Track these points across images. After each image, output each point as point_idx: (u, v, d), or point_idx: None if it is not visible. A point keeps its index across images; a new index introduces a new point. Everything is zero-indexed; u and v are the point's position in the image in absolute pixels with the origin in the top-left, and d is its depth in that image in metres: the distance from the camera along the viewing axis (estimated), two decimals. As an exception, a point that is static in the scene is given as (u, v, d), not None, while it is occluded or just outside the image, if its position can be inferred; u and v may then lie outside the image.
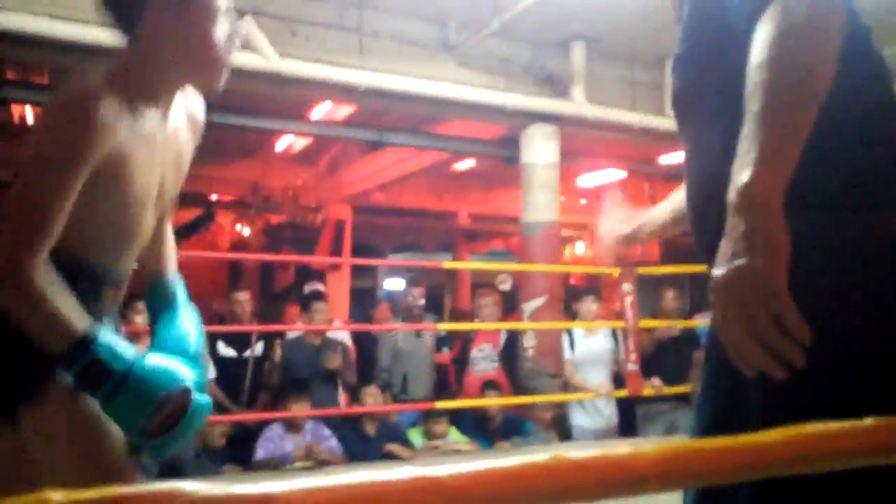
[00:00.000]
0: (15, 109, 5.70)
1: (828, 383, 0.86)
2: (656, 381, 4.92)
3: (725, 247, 0.83)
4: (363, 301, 9.03)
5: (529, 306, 5.27)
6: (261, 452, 3.93)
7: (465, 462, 0.44)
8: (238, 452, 4.17)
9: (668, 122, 5.72)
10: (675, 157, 7.25)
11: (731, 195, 0.83)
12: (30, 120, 6.00)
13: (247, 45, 4.35)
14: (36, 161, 1.18)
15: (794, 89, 0.84)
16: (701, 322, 5.49)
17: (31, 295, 1.13)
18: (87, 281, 1.29)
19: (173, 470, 3.75)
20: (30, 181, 1.16)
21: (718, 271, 0.83)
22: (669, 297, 5.37)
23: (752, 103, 0.85)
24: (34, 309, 1.15)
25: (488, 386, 4.74)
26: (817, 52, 0.85)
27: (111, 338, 1.20)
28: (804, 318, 0.79)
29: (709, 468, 0.53)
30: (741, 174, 0.83)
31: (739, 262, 0.80)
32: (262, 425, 4.08)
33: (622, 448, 0.48)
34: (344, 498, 0.41)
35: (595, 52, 5.41)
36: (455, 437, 4.39)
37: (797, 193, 0.84)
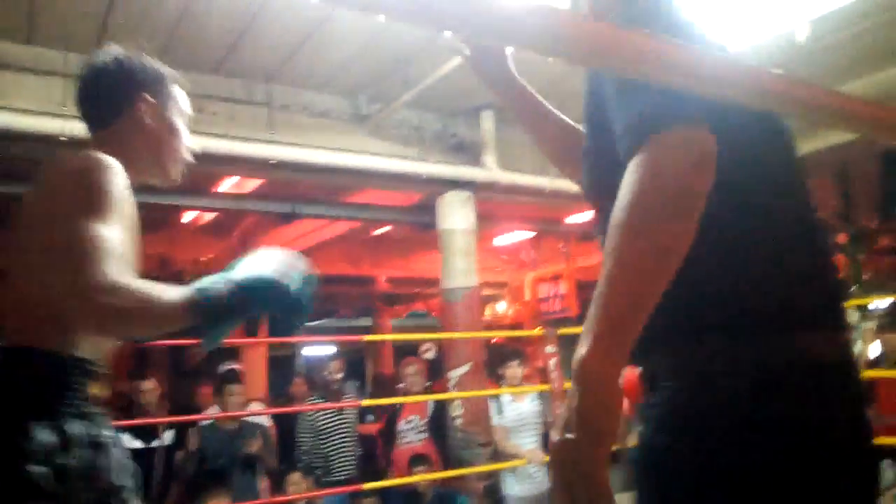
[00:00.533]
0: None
1: None
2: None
3: (562, 415, 0.82)
4: (283, 370, 8.73)
5: (456, 373, 5.22)
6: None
7: None
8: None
9: (572, 185, 5.89)
10: (580, 217, 7.48)
11: (572, 364, 0.82)
12: None
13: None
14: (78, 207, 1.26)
15: (641, 268, 0.80)
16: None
17: (137, 297, 1.18)
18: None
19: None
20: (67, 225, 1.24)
21: (553, 437, 0.82)
22: None
23: (604, 265, 0.83)
24: (147, 307, 1.19)
25: (417, 461, 4.61)
26: (671, 228, 0.80)
27: (205, 284, 1.25)
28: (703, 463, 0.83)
29: None
30: (580, 346, 0.81)
31: (567, 435, 0.79)
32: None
33: None
34: None
35: (504, 119, 5.57)
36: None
37: (695, 322, 0.86)
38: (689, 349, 0.89)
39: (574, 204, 6.45)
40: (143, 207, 5.43)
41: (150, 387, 4.41)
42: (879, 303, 5.88)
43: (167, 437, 4.31)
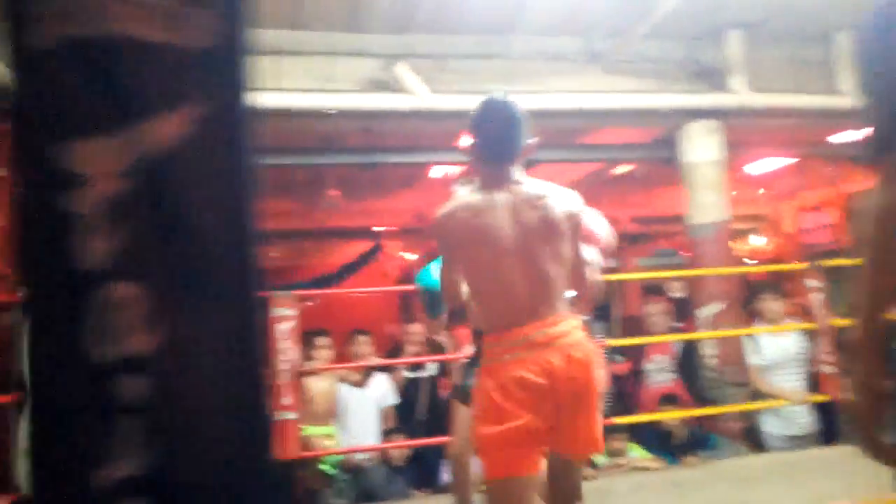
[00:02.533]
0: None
1: None
2: (858, 382, 4.52)
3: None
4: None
5: (704, 312, 5.06)
6: (446, 475, 4.09)
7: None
8: (423, 474, 4.36)
9: (837, 100, 5.27)
10: (846, 136, 6.64)
11: None
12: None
13: (401, 88, 4.61)
14: None
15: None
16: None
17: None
18: None
19: (368, 496, 4.02)
20: None
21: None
22: None
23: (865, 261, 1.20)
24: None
25: (666, 399, 4.59)
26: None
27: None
28: None
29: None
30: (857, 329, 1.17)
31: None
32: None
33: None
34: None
35: (752, 36, 5.12)
36: (637, 453, 4.31)
37: None
38: None
39: (841, 122, 5.77)
40: (398, 167, 5.99)
41: (417, 329, 4.94)
42: None
43: (432, 368, 4.81)
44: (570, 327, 2.01)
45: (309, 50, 4.67)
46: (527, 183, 2.11)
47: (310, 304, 8.15)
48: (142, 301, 0.81)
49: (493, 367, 1.97)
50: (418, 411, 4.71)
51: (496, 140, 2.13)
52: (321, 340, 4.30)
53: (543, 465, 2.03)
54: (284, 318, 3.87)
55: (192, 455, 0.75)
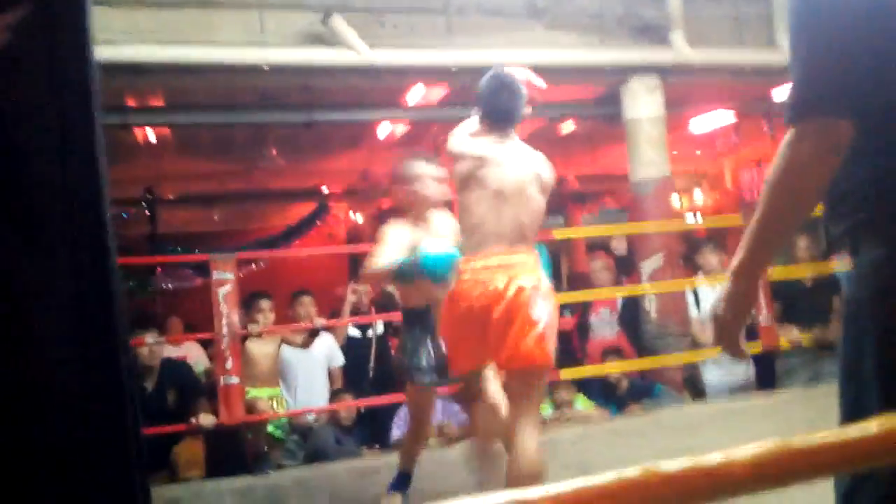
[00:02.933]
0: (137, 132, 6.15)
1: None
2: (793, 331, 4.68)
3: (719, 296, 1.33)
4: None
5: (647, 266, 5.14)
6: (396, 432, 4.10)
7: (554, 483, 0.46)
8: (371, 432, 4.37)
9: (777, 56, 5.35)
10: (787, 91, 6.77)
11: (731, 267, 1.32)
12: (152, 139, 6.45)
13: (338, 42, 4.47)
14: None
15: (774, 218, 1.24)
16: (837, 266, 5.16)
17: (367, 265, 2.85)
18: None
19: (317, 456, 4.01)
20: None
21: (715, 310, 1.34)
22: (802, 247, 5.05)
23: (756, 209, 1.26)
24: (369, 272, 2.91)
25: (609, 352, 4.68)
26: (801, 195, 1.21)
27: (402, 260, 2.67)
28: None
29: (805, 465, 0.51)
30: (738, 254, 1.28)
31: (718, 304, 1.33)
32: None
33: (714, 456, 0.48)
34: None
35: (692, -8, 5.14)
36: (582, 404, 4.39)
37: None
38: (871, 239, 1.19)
39: (781, 77, 5.86)
40: (342, 126, 5.87)
41: (364, 288, 4.90)
42: None
43: (379, 327, 4.80)
44: (524, 259, 2.42)
45: (240, 2, 4.49)
46: (520, 144, 2.60)
47: (254, 267, 8.02)
48: None
49: (455, 287, 2.45)
50: (368, 370, 4.71)
51: (503, 111, 2.54)
52: (263, 303, 4.22)
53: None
54: (224, 282, 3.78)
55: (15, 415, 0.61)
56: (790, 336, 4.67)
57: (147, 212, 8.11)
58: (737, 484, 0.47)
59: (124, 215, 7.86)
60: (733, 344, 1.33)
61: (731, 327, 1.30)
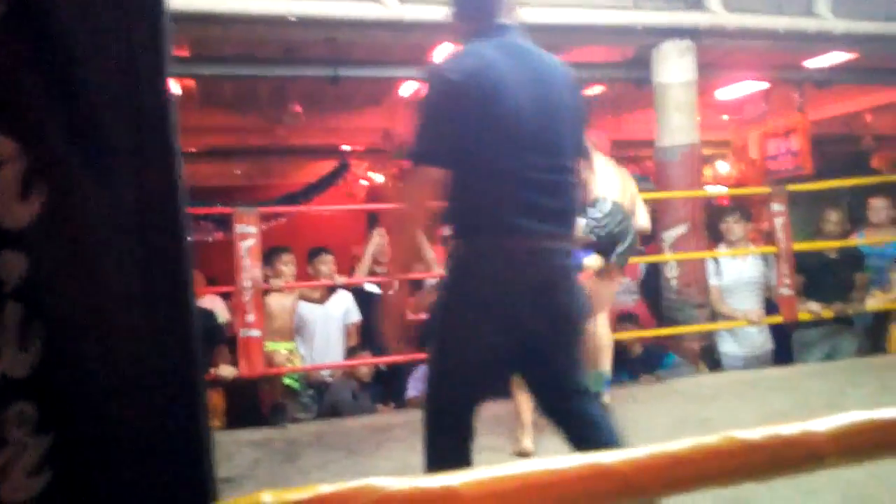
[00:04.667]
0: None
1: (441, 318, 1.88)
2: (813, 305, 4.65)
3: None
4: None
5: (670, 235, 5.09)
6: (411, 391, 4.13)
7: (635, 448, 0.45)
8: (388, 390, 4.41)
9: (816, 23, 5.20)
10: (824, 60, 6.60)
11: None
12: (176, 90, 6.42)
13: (366, -4, 4.40)
14: None
15: (400, 226, 1.93)
16: (859, 241, 5.09)
17: None
18: None
19: (334, 411, 4.05)
20: None
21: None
22: (831, 220, 4.98)
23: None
24: None
25: (624, 318, 4.67)
26: (413, 210, 1.83)
27: None
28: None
29: (889, 440, 0.50)
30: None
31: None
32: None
33: (793, 426, 0.47)
34: (519, 486, 0.43)
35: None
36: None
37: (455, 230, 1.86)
38: (454, 240, 1.87)
39: (816, 45, 5.72)
40: (366, 83, 5.78)
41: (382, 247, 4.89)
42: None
43: (396, 286, 4.78)
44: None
45: (270, -48, 4.41)
46: None
47: (274, 222, 8.04)
48: (15, 160, 0.61)
49: None
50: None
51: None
52: (284, 257, 4.23)
53: None
54: (247, 236, 3.79)
55: (81, 352, 0.57)
56: (810, 309, 4.63)
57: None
58: (818, 456, 0.46)
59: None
60: (393, 330, 1.92)
61: (391, 312, 1.95)
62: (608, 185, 3.46)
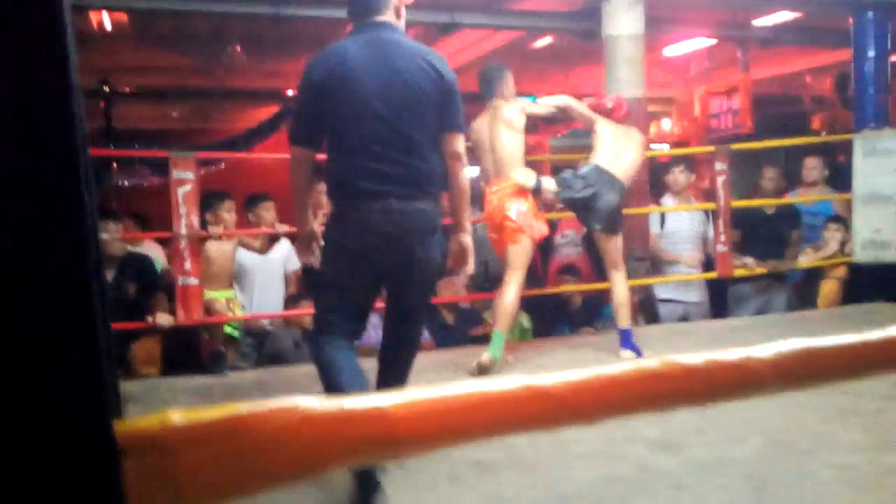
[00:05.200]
0: (92, 16, 5.78)
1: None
2: (749, 260, 4.79)
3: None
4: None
5: (614, 188, 5.13)
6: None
7: (573, 370, 0.43)
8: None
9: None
10: (771, 19, 6.69)
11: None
12: (108, 26, 6.08)
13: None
14: None
15: (292, 192, 2.42)
16: (793, 199, 5.25)
17: None
18: None
19: (274, 359, 4.01)
20: None
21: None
22: (768, 177, 5.12)
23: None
24: None
25: (564, 271, 4.73)
26: (295, 180, 2.40)
27: None
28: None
29: (826, 367, 0.50)
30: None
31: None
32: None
33: (732, 352, 0.46)
34: (451, 408, 0.41)
35: None
36: (521, 317, 4.50)
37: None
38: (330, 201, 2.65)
39: (763, 3, 5.77)
40: (308, 22, 5.58)
41: (323, 188, 4.79)
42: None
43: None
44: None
45: None
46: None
47: (213, 168, 7.80)
48: None
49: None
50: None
51: None
52: (227, 204, 4.10)
53: None
54: (184, 182, 3.65)
55: None
56: (744, 264, 4.78)
57: (102, 104, 7.75)
58: (758, 381, 0.45)
59: (76, 106, 7.46)
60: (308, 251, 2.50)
61: (303, 251, 2.53)
62: (602, 152, 3.68)
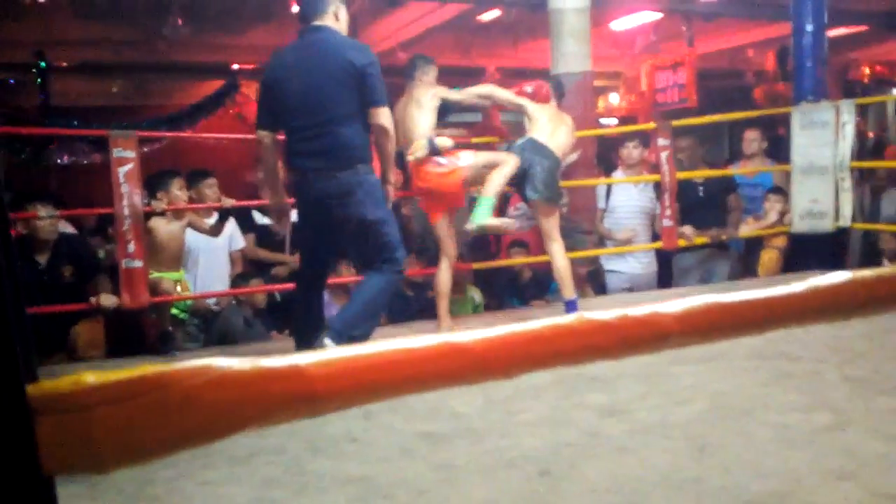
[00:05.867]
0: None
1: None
2: (687, 229, 4.89)
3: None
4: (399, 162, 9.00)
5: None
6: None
7: (493, 327, 0.45)
8: (283, 317, 4.35)
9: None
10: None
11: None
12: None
13: None
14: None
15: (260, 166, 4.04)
16: (737, 171, 5.39)
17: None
18: None
19: (224, 339, 3.97)
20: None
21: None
22: (682, 146, 5.19)
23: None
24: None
25: (514, 244, 4.79)
26: (261, 159, 3.42)
27: None
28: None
29: (730, 322, 0.53)
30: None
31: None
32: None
33: (642, 308, 0.48)
34: (370, 365, 0.42)
35: None
36: (473, 292, 4.56)
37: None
38: None
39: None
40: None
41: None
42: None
43: (293, 215, 4.68)
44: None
45: None
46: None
47: (157, 146, 7.59)
48: None
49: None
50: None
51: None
52: (177, 182, 4.02)
53: None
54: (125, 161, 3.55)
55: None
56: (683, 234, 4.88)
57: (38, 79, 7.44)
58: (665, 335, 0.48)
59: (11, 81, 7.19)
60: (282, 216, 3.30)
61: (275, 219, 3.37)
62: (537, 129, 3.90)
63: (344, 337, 2.85)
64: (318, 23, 2.94)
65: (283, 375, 0.41)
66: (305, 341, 3.09)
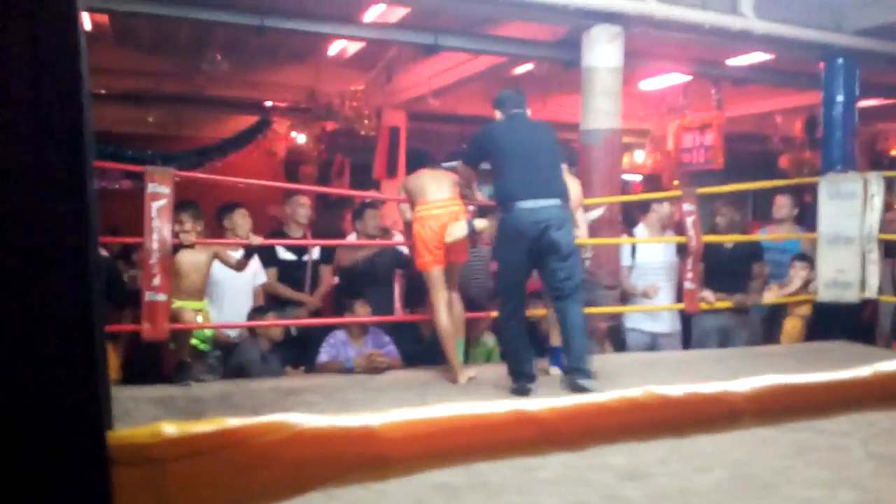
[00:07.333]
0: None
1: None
2: (707, 293, 4.84)
3: None
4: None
5: (588, 216, 5.19)
6: (324, 356, 4.08)
7: (560, 397, 0.44)
8: (297, 353, 4.34)
9: (739, 21, 5.39)
10: (745, 59, 6.87)
11: None
12: (87, 26, 6.01)
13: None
14: None
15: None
16: (763, 236, 5.36)
17: None
18: None
19: (240, 372, 3.95)
20: None
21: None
22: (721, 213, 5.18)
23: None
24: None
25: (532, 296, 4.75)
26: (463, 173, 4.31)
27: None
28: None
29: (802, 404, 0.51)
30: None
31: None
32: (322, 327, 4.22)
33: (711, 385, 0.47)
34: (440, 429, 0.41)
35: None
36: (487, 337, 4.53)
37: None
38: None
39: (739, 44, 5.92)
40: (289, 35, 5.60)
41: (305, 201, 4.80)
42: None
43: (315, 252, 4.70)
44: (456, 204, 3.96)
45: None
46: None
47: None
48: None
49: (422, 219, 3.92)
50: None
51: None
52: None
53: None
54: (159, 196, 3.59)
55: None
56: (704, 298, 4.83)
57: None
58: (734, 414, 0.46)
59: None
60: None
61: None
62: None
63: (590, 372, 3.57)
64: (518, 111, 3.90)
65: (355, 435, 0.41)
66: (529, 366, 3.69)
